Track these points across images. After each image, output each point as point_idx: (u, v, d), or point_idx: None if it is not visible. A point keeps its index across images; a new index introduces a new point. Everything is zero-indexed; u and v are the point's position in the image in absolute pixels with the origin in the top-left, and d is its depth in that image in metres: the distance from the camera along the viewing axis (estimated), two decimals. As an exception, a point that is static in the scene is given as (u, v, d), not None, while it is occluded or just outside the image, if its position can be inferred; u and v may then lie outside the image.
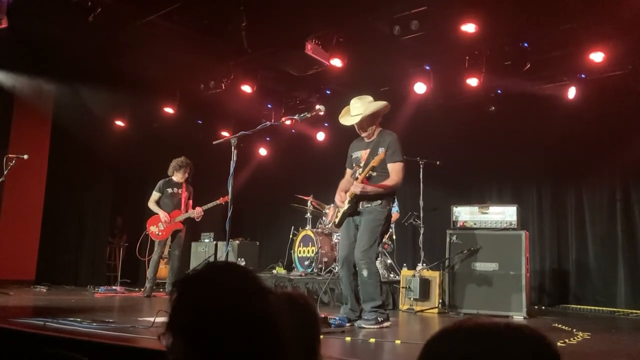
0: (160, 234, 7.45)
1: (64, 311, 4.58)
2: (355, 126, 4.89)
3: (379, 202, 4.71)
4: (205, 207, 7.46)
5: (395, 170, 4.69)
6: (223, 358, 1.02)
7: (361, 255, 4.60)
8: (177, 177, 7.57)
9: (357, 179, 4.70)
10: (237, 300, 1.06)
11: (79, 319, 3.85)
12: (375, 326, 4.51)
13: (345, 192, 4.81)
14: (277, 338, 1.06)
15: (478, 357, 0.82)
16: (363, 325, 4.54)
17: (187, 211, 7.51)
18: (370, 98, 4.90)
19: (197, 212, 7.45)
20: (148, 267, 7.47)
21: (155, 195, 7.57)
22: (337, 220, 4.95)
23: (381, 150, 4.63)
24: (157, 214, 7.46)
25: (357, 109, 4.82)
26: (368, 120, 4.80)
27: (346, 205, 4.76)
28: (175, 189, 7.59)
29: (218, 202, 7.34)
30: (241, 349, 1.02)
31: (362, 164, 4.76)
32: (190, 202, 7.65)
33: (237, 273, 1.12)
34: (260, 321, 1.05)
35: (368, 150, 4.82)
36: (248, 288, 1.09)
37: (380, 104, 4.83)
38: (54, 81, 8.14)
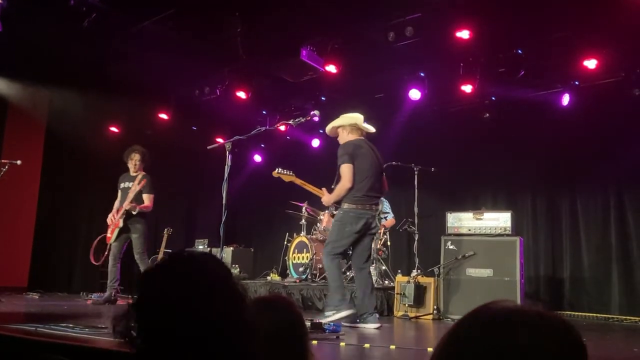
0: (110, 235, 6.88)
1: (56, 317, 4.54)
2: None
3: (342, 204, 5.06)
4: (136, 191, 6.74)
5: (342, 173, 4.97)
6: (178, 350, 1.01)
7: (324, 248, 5.13)
8: (131, 169, 6.98)
9: None
10: (194, 293, 1.04)
11: (71, 325, 3.81)
12: (333, 312, 4.83)
13: None
14: (243, 335, 1.05)
15: (506, 341, 0.82)
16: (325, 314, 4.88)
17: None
18: (348, 115, 5.29)
19: (125, 205, 6.71)
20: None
21: (118, 193, 7.06)
22: None
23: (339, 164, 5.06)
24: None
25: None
26: (333, 132, 5.36)
27: None
28: (128, 183, 6.95)
29: (138, 188, 6.73)
30: (195, 345, 1.00)
31: None
32: (147, 196, 6.83)
33: (203, 265, 1.11)
34: (228, 317, 1.04)
35: None
36: (210, 282, 1.08)
37: (339, 121, 5.26)
38: (48, 87, 8.11)
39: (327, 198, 5.21)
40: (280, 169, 6.00)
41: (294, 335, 1.51)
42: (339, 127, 5.22)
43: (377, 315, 5.11)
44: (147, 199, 6.84)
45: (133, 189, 6.76)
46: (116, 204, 6.99)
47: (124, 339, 1.06)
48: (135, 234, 6.79)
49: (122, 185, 6.99)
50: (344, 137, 5.18)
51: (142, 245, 6.79)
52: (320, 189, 5.71)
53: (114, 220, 6.80)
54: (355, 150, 5.01)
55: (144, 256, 6.79)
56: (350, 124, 5.18)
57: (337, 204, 5.12)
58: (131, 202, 6.71)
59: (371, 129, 5.31)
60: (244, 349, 1.04)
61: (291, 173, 5.98)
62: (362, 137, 5.20)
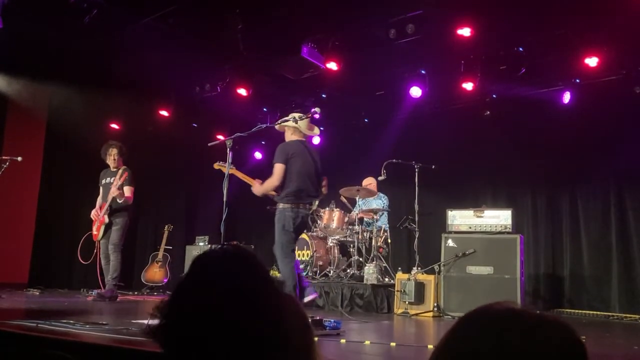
0: (95, 233, 6.79)
1: (57, 313, 4.54)
2: None
3: (278, 205, 5.33)
4: (119, 184, 6.59)
5: (274, 171, 5.22)
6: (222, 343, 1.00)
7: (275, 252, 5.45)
8: (110, 165, 6.91)
9: None
10: (248, 284, 1.04)
11: (72, 321, 3.82)
12: None
13: None
14: (281, 332, 1.05)
15: (511, 341, 0.83)
16: None
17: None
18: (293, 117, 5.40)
19: (112, 191, 6.57)
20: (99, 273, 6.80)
21: (100, 189, 6.95)
22: None
23: None
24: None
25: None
26: (280, 129, 5.51)
27: None
28: (109, 179, 6.83)
29: (120, 181, 6.63)
30: (241, 336, 1.00)
31: None
32: (128, 188, 6.72)
33: (251, 260, 1.11)
34: (267, 313, 1.04)
35: None
36: (261, 275, 1.08)
37: (284, 123, 5.42)
38: (49, 83, 8.10)
39: (257, 188, 5.47)
40: (220, 162, 6.05)
41: (303, 336, 1.50)
42: (285, 126, 5.44)
43: (312, 288, 5.30)
44: (127, 190, 6.75)
45: (115, 183, 6.66)
46: (99, 200, 6.91)
47: (153, 338, 1.05)
48: (116, 226, 6.68)
49: (103, 181, 6.89)
50: (287, 137, 5.42)
51: (119, 238, 6.68)
52: (255, 179, 5.76)
53: (99, 216, 6.72)
54: (292, 151, 5.24)
55: (117, 249, 6.65)
56: (293, 126, 5.37)
57: (274, 202, 5.46)
58: (118, 188, 6.61)
59: (314, 132, 5.58)
60: (280, 343, 1.04)
61: (232, 166, 6.05)
62: (303, 139, 5.42)
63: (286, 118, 5.40)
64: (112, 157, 6.88)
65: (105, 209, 6.68)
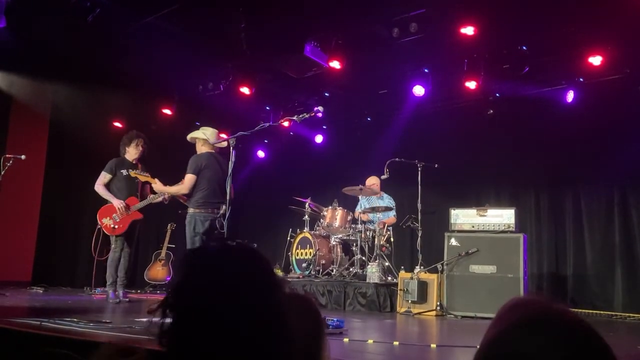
0: (116, 227, 6.26)
1: (61, 312, 4.55)
2: None
3: (188, 209, 5.85)
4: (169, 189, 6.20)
5: (185, 180, 5.81)
6: (221, 341, 0.99)
7: None
8: (131, 155, 6.52)
9: None
10: (249, 282, 1.03)
11: (75, 320, 3.83)
12: None
13: None
14: (283, 330, 1.04)
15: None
16: None
17: (144, 198, 6.42)
18: (205, 129, 6.05)
19: (167, 196, 6.25)
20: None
21: (104, 177, 6.39)
22: None
23: None
24: (109, 202, 6.30)
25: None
26: (191, 141, 6.08)
27: None
28: (132, 170, 6.45)
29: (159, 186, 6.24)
30: (242, 333, 0.99)
31: None
32: (148, 186, 6.51)
33: (253, 256, 1.10)
34: (269, 310, 1.02)
35: None
36: (263, 273, 1.07)
37: (196, 134, 6.01)
38: (52, 82, 8.11)
39: (158, 187, 6.04)
40: (136, 170, 6.31)
41: (315, 335, 1.48)
42: (196, 138, 6.01)
43: None
44: (149, 190, 6.61)
45: (143, 179, 6.44)
46: (101, 189, 6.41)
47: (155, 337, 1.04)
48: (140, 225, 6.58)
49: (123, 172, 6.44)
50: (198, 148, 5.96)
51: (134, 239, 6.63)
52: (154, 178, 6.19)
53: (131, 209, 6.34)
54: (204, 163, 5.81)
55: (131, 250, 6.54)
56: (203, 139, 5.90)
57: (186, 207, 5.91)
58: (149, 192, 6.55)
59: (222, 144, 5.90)
60: (282, 341, 1.03)
61: (139, 172, 6.32)
62: (212, 151, 5.93)
63: (195, 132, 5.97)
64: (139, 147, 6.55)
65: (139, 205, 6.38)
